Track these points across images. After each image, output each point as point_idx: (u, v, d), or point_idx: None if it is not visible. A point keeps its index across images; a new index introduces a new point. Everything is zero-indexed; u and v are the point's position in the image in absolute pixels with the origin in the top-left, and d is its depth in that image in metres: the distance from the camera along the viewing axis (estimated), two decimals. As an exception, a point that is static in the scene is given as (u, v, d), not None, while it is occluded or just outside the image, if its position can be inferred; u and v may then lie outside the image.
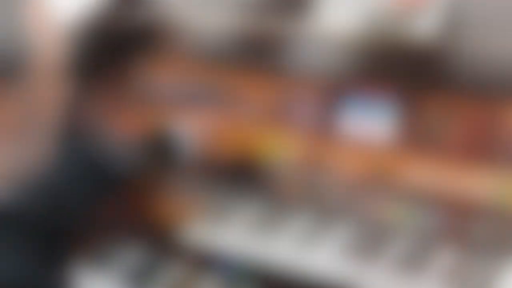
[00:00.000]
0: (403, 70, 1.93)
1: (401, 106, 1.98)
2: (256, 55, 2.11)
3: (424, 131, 1.95)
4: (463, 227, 1.81)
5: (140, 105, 1.99)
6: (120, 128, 1.73)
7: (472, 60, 1.84)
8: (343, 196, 1.97)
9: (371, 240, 1.88)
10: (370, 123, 2.02)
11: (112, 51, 1.70)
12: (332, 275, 1.80)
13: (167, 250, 2.05)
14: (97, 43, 1.67)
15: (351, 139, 2.03)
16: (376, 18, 1.95)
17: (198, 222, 2.00)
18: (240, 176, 2.05)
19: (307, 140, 2.07)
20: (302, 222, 1.99)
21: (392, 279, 1.75)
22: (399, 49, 1.89)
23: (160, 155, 1.83)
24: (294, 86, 2.11)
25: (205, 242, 1.96)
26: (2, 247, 1.33)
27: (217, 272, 1.99)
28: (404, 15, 1.92)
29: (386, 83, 1.98)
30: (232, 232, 1.97)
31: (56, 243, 1.46)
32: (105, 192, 1.63)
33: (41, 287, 1.43)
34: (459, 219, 1.82)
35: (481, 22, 1.86)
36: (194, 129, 2.00)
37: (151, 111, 2.07)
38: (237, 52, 2.14)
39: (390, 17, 1.93)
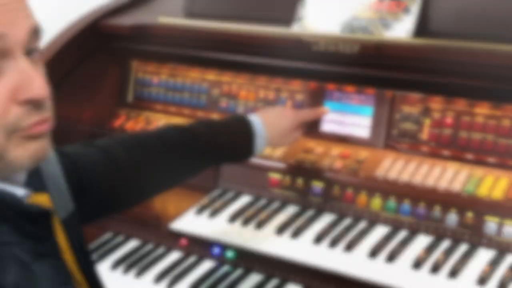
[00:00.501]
0: (379, 73, 2.01)
1: (378, 106, 2.07)
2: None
3: (398, 129, 2.05)
4: (436, 216, 1.88)
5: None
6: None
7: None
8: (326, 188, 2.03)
9: (351, 229, 1.93)
10: (350, 121, 2.12)
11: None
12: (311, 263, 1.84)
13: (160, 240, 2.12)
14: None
15: (333, 132, 2.13)
16: (355, 23, 2.04)
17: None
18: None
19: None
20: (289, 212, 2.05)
21: (370, 266, 1.79)
22: (376, 53, 1.97)
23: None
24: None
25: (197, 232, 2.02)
26: None
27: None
28: (381, 20, 2.01)
29: (365, 85, 2.08)
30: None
31: None
32: None
33: None
34: (432, 209, 1.88)
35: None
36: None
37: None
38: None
39: (368, 22, 2.02)
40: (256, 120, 1.91)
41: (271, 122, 1.94)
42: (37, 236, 1.21)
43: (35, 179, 1.32)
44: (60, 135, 2.11)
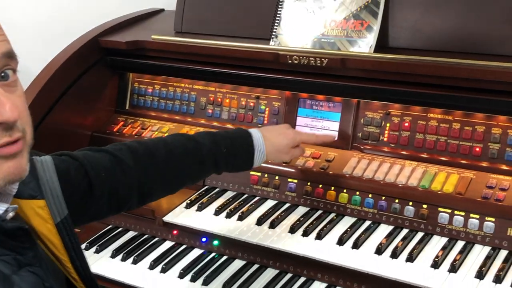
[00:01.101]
0: (345, 83, 2.03)
1: (344, 112, 2.10)
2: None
3: (362, 132, 2.08)
4: (395, 208, 1.91)
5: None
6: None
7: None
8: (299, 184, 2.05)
9: (321, 220, 1.96)
10: (320, 125, 2.15)
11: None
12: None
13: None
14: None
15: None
16: (324, 40, 2.07)
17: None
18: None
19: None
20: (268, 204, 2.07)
21: (338, 252, 1.82)
22: (342, 66, 1.99)
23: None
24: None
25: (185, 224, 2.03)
26: None
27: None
28: (346, 37, 2.04)
29: (333, 94, 2.11)
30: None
31: None
32: None
33: None
34: (392, 202, 1.92)
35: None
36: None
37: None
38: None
39: (335, 39, 2.06)
40: (257, 135, 1.86)
41: (271, 139, 1.89)
42: (18, 248, 1.19)
43: (33, 186, 1.33)
44: (64, 139, 2.15)
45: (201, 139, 1.78)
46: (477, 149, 1.91)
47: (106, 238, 2.15)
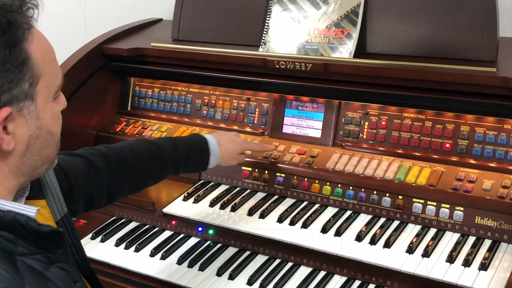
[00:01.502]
0: (328, 86, 2.06)
1: (327, 112, 2.13)
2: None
3: (343, 130, 2.11)
4: (374, 199, 1.94)
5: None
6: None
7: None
8: (286, 178, 2.08)
9: (306, 210, 1.99)
10: (305, 124, 2.17)
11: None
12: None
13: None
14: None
15: (292, 133, 2.18)
16: (308, 46, 2.10)
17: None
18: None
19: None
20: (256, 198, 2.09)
21: (322, 239, 1.85)
22: (324, 70, 2.02)
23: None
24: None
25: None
26: None
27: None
28: (328, 44, 2.08)
29: (317, 96, 2.14)
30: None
31: None
32: None
33: None
34: (370, 194, 1.95)
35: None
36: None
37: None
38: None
39: (318, 45, 2.08)
40: (213, 141, 1.93)
41: (224, 145, 1.95)
42: (50, 247, 1.23)
43: (35, 187, 1.36)
44: (71, 138, 2.16)
45: (163, 144, 1.85)
46: (447, 145, 1.95)
47: (111, 229, 2.17)
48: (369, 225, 1.90)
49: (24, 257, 1.17)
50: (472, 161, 1.91)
